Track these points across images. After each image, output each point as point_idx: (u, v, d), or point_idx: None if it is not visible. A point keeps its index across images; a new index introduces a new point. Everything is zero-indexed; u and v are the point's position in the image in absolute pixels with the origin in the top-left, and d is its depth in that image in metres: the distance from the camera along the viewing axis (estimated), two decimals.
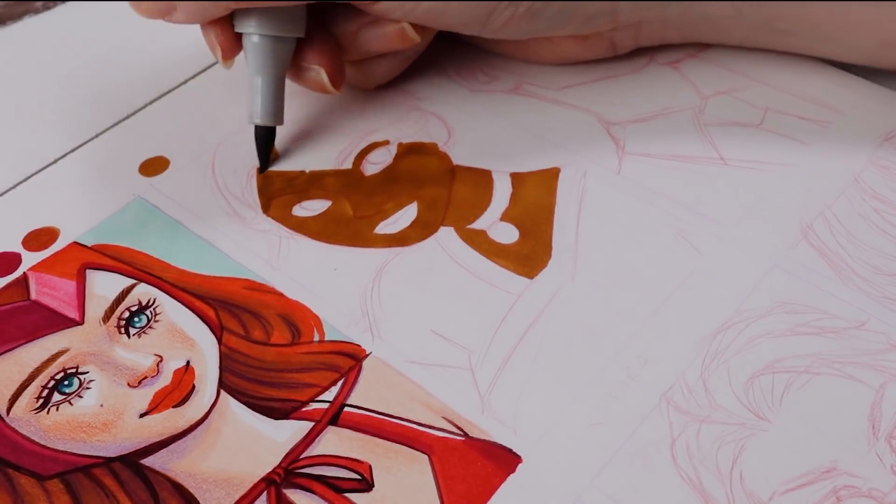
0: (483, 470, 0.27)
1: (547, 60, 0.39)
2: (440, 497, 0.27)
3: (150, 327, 0.31)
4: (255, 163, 0.37)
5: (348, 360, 0.30)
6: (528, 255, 0.33)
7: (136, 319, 0.31)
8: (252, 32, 0.34)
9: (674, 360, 0.30)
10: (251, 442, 0.28)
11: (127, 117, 0.39)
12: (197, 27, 0.35)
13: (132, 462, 0.28)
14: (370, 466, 0.28)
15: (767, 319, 0.30)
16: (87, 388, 0.30)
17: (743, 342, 0.30)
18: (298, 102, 0.39)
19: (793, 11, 0.35)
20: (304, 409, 0.29)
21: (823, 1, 0.34)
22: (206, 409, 0.29)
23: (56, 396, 0.30)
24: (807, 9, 0.35)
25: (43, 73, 0.42)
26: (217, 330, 0.31)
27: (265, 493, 0.27)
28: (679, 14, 0.36)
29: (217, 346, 0.31)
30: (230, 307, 0.32)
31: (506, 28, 0.34)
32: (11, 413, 0.29)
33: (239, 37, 0.34)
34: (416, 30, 0.35)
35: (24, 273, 0.33)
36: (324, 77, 0.35)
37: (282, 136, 0.38)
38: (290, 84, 0.41)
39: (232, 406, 0.29)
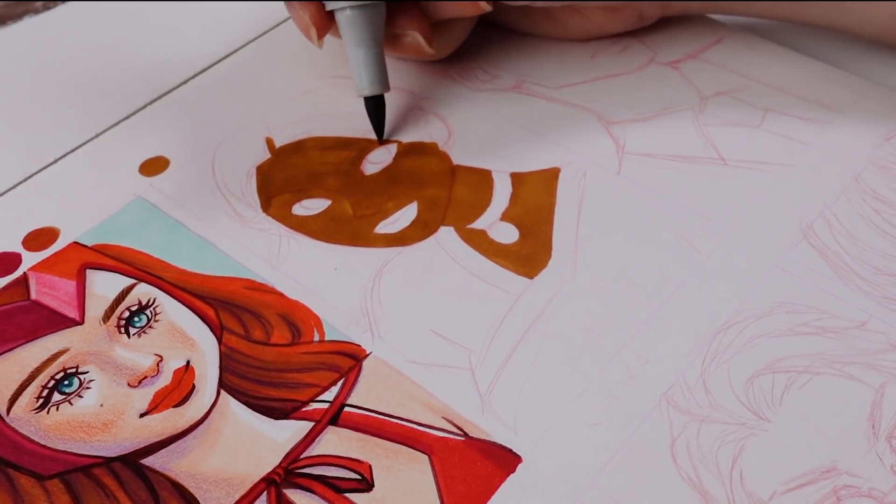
0: (483, 470, 0.27)
1: (578, 35, 0.40)
2: (440, 497, 0.27)
3: (150, 327, 0.31)
4: (255, 162, 0.37)
5: (348, 360, 0.30)
6: (528, 255, 0.33)
7: (136, 319, 0.31)
8: (344, 6, 0.35)
9: (674, 360, 0.30)
10: (251, 442, 0.28)
11: (127, 117, 0.39)
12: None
13: (132, 462, 0.28)
14: (370, 466, 0.28)
15: (767, 319, 0.30)
16: (87, 388, 0.30)
17: (743, 342, 0.30)
18: (299, 102, 0.39)
19: None
20: (304, 409, 0.29)
21: None
22: (206, 409, 0.29)
23: (56, 396, 0.30)
24: None
25: (43, 73, 0.42)
26: (217, 330, 0.31)
27: (265, 493, 0.27)
28: None
29: (217, 345, 0.31)
30: (230, 307, 0.32)
31: None
32: (11, 413, 0.29)
33: (330, 14, 0.35)
34: None
35: (25, 273, 0.33)
36: (420, 39, 0.36)
37: (283, 134, 0.38)
38: (286, 85, 0.41)
39: (232, 406, 0.29)
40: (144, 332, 0.31)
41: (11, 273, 0.33)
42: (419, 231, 0.34)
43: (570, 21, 0.39)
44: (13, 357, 0.31)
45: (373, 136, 0.38)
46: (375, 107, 0.37)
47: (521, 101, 0.39)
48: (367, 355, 0.30)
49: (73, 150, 0.38)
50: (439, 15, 0.37)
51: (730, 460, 0.27)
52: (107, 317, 0.32)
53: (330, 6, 0.35)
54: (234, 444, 0.28)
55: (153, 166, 0.37)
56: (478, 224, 0.34)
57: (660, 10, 0.39)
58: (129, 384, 0.30)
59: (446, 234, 0.34)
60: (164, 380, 0.30)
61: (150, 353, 0.31)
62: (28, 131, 0.39)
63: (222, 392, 0.30)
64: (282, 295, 0.32)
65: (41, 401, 0.30)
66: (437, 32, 0.38)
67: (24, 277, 0.33)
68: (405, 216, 0.35)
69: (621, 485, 0.27)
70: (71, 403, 0.29)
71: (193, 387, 0.30)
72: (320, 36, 0.36)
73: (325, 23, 0.36)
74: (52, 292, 0.32)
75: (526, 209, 0.34)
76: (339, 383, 0.30)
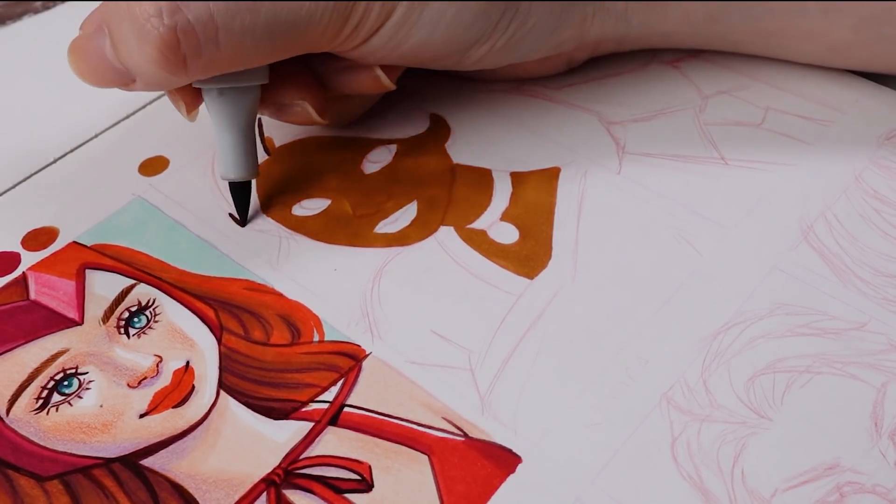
0: (483, 470, 0.27)
1: (508, 79, 0.39)
2: (440, 497, 0.27)
3: (149, 327, 0.31)
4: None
5: (348, 361, 0.30)
6: (529, 256, 0.33)
7: (135, 320, 0.31)
8: (212, 87, 0.32)
9: (674, 360, 0.30)
10: (251, 442, 0.28)
11: (127, 117, 0.39)
12: None
13: (132, 463, 0.28)
14: (370, 467, 0.28)
15: (768, 321, 0.30)
16: (87, 389, 0.30)
17: (743, 343, 0.30)
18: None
19: (746, 25, 0.36)
20: (303, 410, 0.29)
21: (777, 12, 0.35)
22: (206, 410, 0.29)
23: (55, 397, 0.30)
24: (760, 21, 0.35)
25: (43, 73, 0.42)
26: (217, 330, 0.31)
27: (265, 493, 0.27)
28: (638, 33, 0.37)
29: (217, 346, 0.31)
30: (230, 307, 0.32)
31: (481, 62, 0.34)
32: (11, 414, 0.29)
33: (200, 90, 0.33)
34: (388, 73, 0.34)
35: (24, 273, 0.33)
36: (310, 109, 0.34)
37: (282, 134, 0.38)
38: None
39: (232, 406, 0.29)
40: (144, 332, 0.31)
41: (10, 273, 0.33)
42: (419, 231, 0.34)
43: (500, 69, 0.38)
44: (12, 357, 0.31)
45: (373, 135, 0.38)
46: (237, 192, 0.34)
47: (522, 101, 0.39)
48: (367, 355, 0.30)
49: (73, 150, 0.38)
50: (341, 90, 0.35)
51: (731, 459, 0.27)
52: (106, 317, 0.32)
53: (197, 84, 0.31)
54: (233, 444, 0.28)
55: (153, 166, 0.37)
56: (478, 224, 0.34)
57: (588, 54, 0.38)
58: (128, 385, 0.30)
59: (446, 233, 0.34)
60: (164, 380, 0.30)
61: (149, 353, 0.31)
62: (28, 131, 0.39)
63: (222, 392, 0.30)
64: (281, 295, 0.32)
65: (40, 402, 0.30)
66: (336, 103, 0.36)
67: (23, 277, 0.33)
68: (405, 216, 0.35)
69: (621, 485, 0.27)
70: (70, 404, 0.29)
71: (193, 387, 0.30)
72: (190, 110, 0.33)
73: (195, 98, 0.33)
74: (52, 292, 0.32)
75: (526, 209, 0.34)
76: (339, 383, 0.30)
